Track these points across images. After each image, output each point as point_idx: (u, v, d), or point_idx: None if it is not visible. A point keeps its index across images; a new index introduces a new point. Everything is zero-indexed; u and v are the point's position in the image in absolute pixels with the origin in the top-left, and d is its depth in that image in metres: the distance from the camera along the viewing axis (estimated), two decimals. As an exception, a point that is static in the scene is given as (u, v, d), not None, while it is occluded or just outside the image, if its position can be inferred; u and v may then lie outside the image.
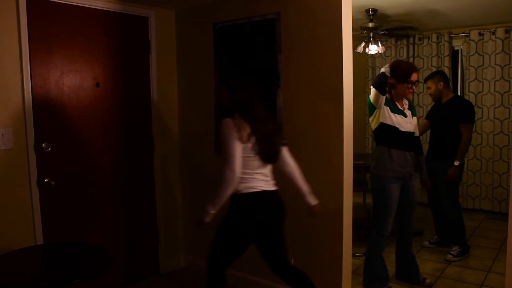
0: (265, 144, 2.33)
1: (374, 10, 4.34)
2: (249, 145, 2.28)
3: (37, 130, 2.75)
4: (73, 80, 2.94)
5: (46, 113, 2.81)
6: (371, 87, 2.94)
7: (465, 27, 5.27)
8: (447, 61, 5.46)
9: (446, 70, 5.46)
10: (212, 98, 3.41)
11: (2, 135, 2.59)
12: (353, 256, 3.17)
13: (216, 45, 3.35)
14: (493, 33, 5.07)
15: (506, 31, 4.98)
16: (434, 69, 5.54)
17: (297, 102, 2.93)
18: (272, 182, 2.45)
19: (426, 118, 4.12)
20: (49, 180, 2.80)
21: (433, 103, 4.10)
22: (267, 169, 2.42)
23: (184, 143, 3.68)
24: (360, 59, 5.48)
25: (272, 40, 3.00)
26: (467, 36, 5.29)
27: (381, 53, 5.69)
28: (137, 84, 3.37)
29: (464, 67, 5.40)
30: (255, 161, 2.33)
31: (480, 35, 5.18)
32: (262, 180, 2.37)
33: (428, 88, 3.96)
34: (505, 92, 5.08)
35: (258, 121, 2.33)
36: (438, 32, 5.49)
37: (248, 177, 2.33)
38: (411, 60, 5.77)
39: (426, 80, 3.99)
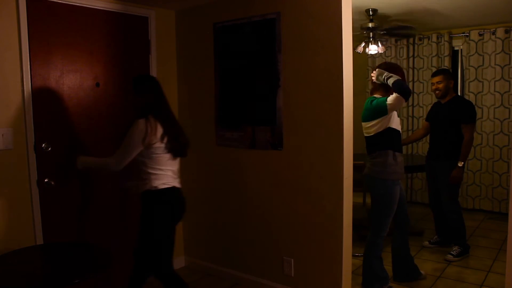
0: (176, 141, 2.52)
1: (374, 10, 4.34)
2: (162, 144, 2.44)
3: (37, 130, 2.75)
4: (73, 80, 2.94)
5: (46, 113, 2.81)
6: (395, 94, 2.81)
7: (465, 27, 5.27)
8: (447, 61, 5.46)
9: (446, 70, 5.47)
10: (212, 98, 3.41)
11: (2, 135, 2.59)
12: (353, 256, 3.17)
13: (216, 45, 3.35)
14: (493, 33, 5.07)
15: (506, 31, 4.98)
16: (434, 69, 5.54)
17: (297, 102, 2.93)
18: (178, 180, 2.63)
19: (427, 119, 4.11)
20: (49, 180, 2.80)
21: (432, 103, 4.10)
22: (176, 167, 2.61)
23: (184, 143, 3.68)
24: (360, 59, 5.48)
25: (272, 40, 3.00)
26: (467, 36, 5.30)
27: (381, 53, 5.69)
28: (137, 84, 3.37)
29: (464, 67, 5.40)
30: (168, 159, 2.51)
31: (480, 35, 5.18)
32: (171, 176, 2.55)
33: (438, 82, 3.84)
34: (505, 92, 5.08)
35: (169, 121, 2.52)
36: (438, 32, 5.49)
37: (162, 174, 2.49)
38: (411, 60, 5.77)
39: (435, 74, 3.90)
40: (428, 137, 4.22)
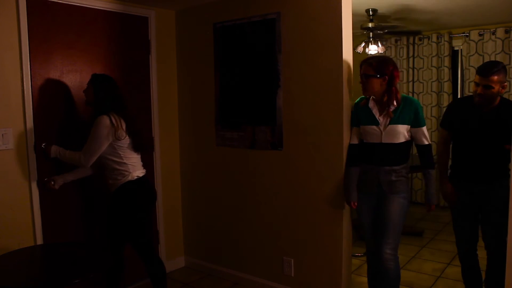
0: (139, 136, 2.66)
1: (374, 10, 4.34)
2: (127, 139, 2.57)
3: (37, 130, 2.75)
4: (73, 80, 2.94)
5: (46, 113, 2.81)
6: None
7: (465, 27, 5.27)
8: (447, 61, 5.46)
9: (446, 70, 5.46)
10: (212, 98, 3.41)
11: (2, 135, 2.59)
12: (353, 256, 3.17)
13: (216, 45, 3.35)
14: (493, 33, 5.07)
15: (506, 31, 4.98)
16: (434, 69, 5.54)
17: (297, 102, 2.93)
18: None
19: (445, 127, 2.87)
20: (49, 180, 2.79)
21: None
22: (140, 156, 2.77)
23: (184, 143, 3.68)
24: (360, 59, 5.48)
25: (272, 40, 3.00)
26: (467, 36, 5.29)
27: (381, 53, 5.68)
28: (137, 84, 3.37)
29: (464, 67, 5.40)
30: (136, 151, 2.66)
31: (480, 35, 5.18)
32: (141, 165, 2.73)
33: (486, 86, 2.53)
34: (505, 93, 5.07)
35: (131, 117, 2.64)
36: (438, 32, 5.49)
37: (137, 164, 2.67)
38: (411, 60, 5.77)
39: (487, 73, 2.52)
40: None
